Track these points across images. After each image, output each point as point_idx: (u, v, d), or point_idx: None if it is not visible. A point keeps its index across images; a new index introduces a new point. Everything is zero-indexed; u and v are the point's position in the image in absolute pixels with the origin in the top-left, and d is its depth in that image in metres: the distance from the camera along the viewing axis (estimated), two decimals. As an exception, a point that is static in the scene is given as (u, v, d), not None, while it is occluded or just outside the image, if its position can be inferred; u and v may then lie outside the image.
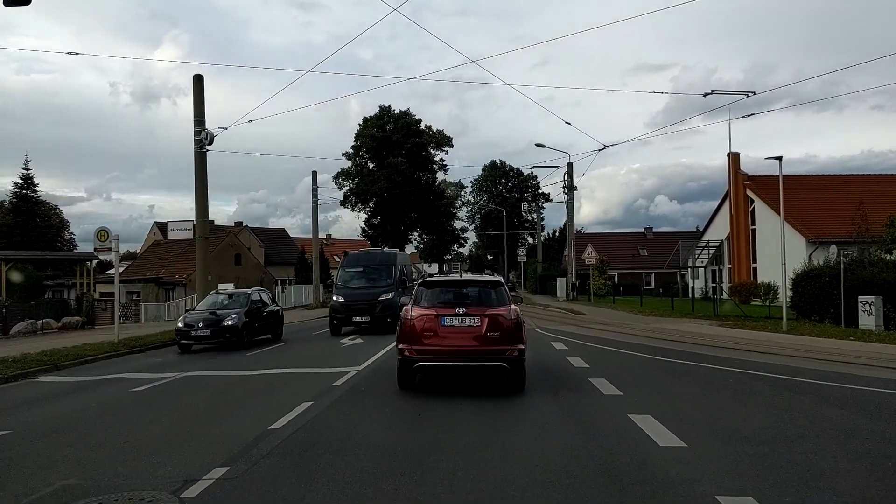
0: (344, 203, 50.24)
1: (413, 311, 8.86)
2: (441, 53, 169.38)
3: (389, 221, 49.69)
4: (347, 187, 50.05)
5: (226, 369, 11.89)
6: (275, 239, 65.62)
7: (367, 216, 50.96)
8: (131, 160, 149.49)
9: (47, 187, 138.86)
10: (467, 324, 8.60)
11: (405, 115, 48.15)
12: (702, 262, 48.28)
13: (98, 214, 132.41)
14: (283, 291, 37.84)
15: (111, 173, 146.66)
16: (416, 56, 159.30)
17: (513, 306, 8.98)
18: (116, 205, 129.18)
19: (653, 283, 60.15)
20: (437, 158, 52.83)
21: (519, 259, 45.00)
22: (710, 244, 46.34)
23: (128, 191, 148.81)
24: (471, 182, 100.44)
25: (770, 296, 31.74)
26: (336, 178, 50.00)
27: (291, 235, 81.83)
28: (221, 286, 39.03)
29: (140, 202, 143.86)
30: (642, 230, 65.85)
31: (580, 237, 68.71)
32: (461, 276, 13.91)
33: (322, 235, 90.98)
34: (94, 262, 31.34)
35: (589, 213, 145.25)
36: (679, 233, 67.06)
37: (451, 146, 52.85)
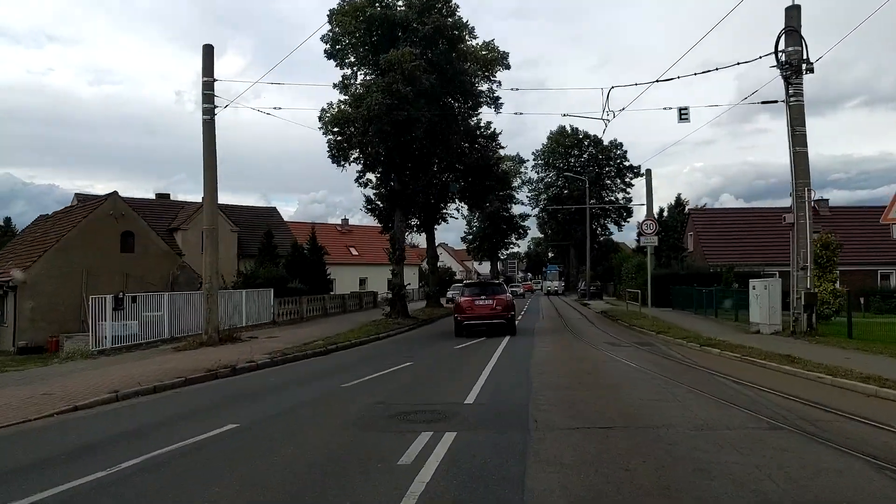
0: (332, 155, 28.66)
1: (462, 298, 20.04)
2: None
3: (400, 178, 28.17)
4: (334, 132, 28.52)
5: None
6: (256, 222, 45.45)
7: (359, 170, 29.32)
8: (195, 164, 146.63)
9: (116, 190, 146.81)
10: (487, 303, 19.32)
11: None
12: None
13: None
14: (130, 304, 16.75)
15: (176, 175, 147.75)
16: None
17: (508, 294, 20.64)
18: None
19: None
20: (482, 88, 30.88)
21: (644, 242, 23.00)
22: None
23: (193, 192, 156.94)
24: (532, 154, 78.14)
25: None
26: (319, 119, 28.41)
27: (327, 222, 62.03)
28: None
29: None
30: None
31: (703, 215, 45.66)
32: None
33: (338, 221, 69.57)
34: None
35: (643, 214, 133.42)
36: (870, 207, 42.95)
37: (507, 67, 30.85)
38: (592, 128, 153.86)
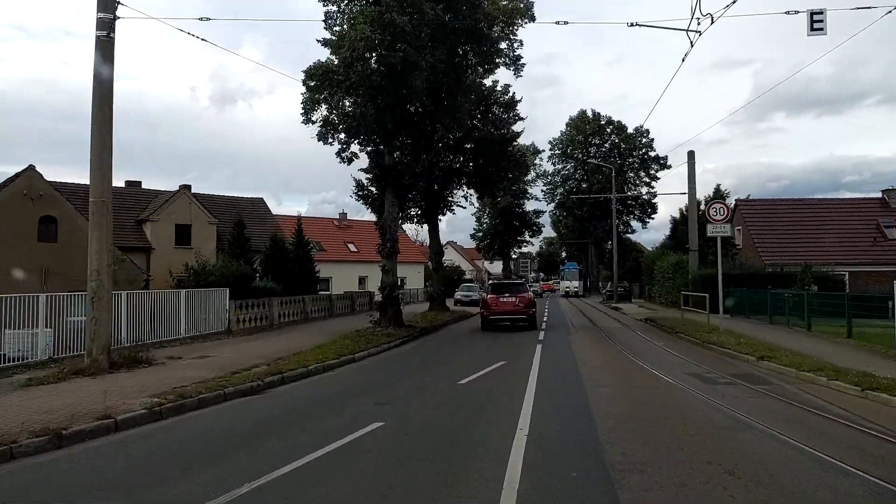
0: (309, 122, 22.49)
1: (488, 296, 21.96)
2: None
3: (392, 150, 22.45)
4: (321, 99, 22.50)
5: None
6: (240, 214, 39.88)
7: (343, 140, 23.29)
8: (208, 161, 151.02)
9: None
10: (510, 300, 21.09)
11: None
12: None
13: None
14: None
15: (189, 173, 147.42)
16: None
17: (529, 293, 22.74)
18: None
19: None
20: (501, 46, 25.20)
21: (713, 231, 17.17)
22: None
23: (206, 191, 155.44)
24: (549, 143, 72.01)
25: None
26: (304, 83, 22.47)
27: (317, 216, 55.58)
28: None
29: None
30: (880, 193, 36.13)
31: (753, 207, 39.53)
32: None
33: (336, 213, 63.19)
34: None
35: (663, 214, 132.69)
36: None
37: (532, 19, 25.17)
38: (616, 113, 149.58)
